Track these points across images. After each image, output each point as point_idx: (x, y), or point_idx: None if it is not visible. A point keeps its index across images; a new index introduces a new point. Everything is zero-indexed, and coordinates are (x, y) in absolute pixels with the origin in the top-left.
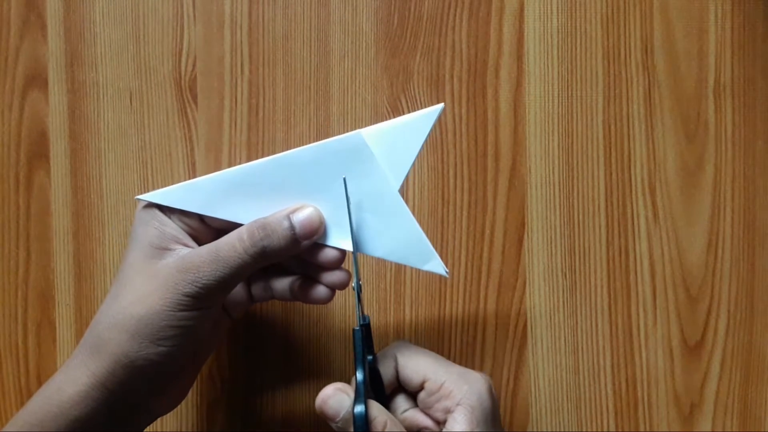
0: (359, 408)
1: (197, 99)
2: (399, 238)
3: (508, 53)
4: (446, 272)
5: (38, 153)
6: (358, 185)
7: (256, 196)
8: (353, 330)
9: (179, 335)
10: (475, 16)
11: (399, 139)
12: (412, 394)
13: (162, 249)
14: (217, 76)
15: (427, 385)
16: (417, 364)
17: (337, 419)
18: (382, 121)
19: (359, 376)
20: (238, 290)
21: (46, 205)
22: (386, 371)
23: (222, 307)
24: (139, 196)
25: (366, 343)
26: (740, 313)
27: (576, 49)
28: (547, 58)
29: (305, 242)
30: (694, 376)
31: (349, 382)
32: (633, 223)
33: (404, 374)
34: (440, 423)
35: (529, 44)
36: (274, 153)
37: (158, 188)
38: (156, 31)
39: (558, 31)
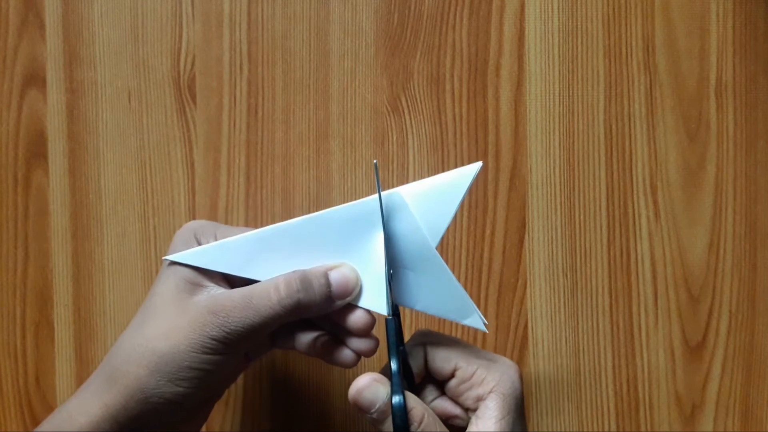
0: (397, 399)
1: (196, 98)
2: (438, 294)
3: (508, 52)
4: (485, 328)
5: (36, 153)
6: (396, 242)
7: (289, 256)
8: (386, 320)
9: (198, 377)
10: (476, 14)
11: (436, 197)
12: (439, 383)
13: (194, 285)
14: (216, 76)
15: (458, 374)
16: (447, 353)
17: (372, 410)
18: (382, 120)
19: (394, 366)
20: (262, 338)
21: (45, 205)
22: (415, 362)
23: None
24: (167, 257)
25: (397, 333)
26: (742, 314)
27: (577, 48)
28: (548, 57)
29: (339, 302)
30: (696, 376)
31: (349, 381)
32: (634, 223)
33: (435, 364)
34: (469, 411)
35: (530, 43)
36: (273, 152)
37: (157, 188)
38: (154, 30)
39: (559, 30)
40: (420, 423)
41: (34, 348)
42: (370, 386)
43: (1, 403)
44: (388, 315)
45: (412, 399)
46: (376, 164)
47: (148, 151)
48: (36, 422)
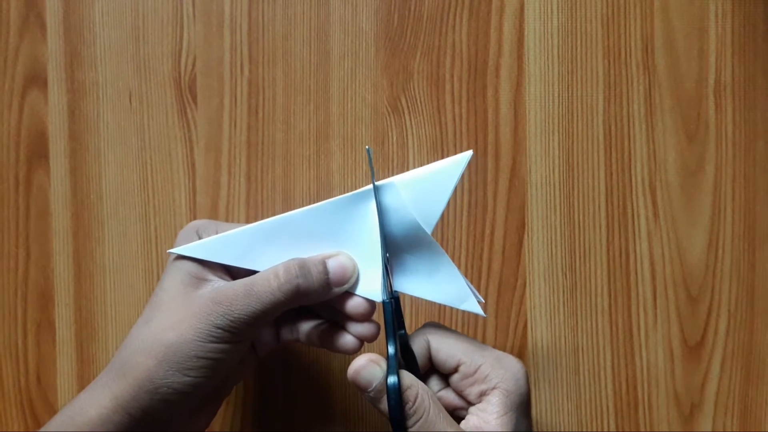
0: (392, 379)
1: (197, 99)
2: (436, 279)
3: (508, 53)
4: (483, 312)
5: (38, 153)
6: (392, 230)
7: (289, 247)
8: (383, 302)
9: (206, 367)
10: (476, 15)
11: (429, 186)
12: (444, 375)
13: (199, 279)
14: (216, 76)
15: (461, 369)
16: (451, 347)
17: (370, 389)
18: (382, 120)
19: (391, 347)
20: (267, 329)
21: (46, 205)
22: (419, 353)
23: (250, 345)
24: (171, 250)
25: (396, 316)
26: (740, 313)
27: (576, 48)
28: (548, 57)
29: (336, 289)
30: (695, 376)
31: (348, 382)
32: (633, 223)
33: (438, 357)
34: (472, 405)
35: (530, 44)
36: (273, 153)
37: (158, 189)
38: (156, 31)
39: (558, 31)
40: (415, 402)
41: (35, 348)
42: (366, 366)
43: (3, 403)
44: (385, 299)
45: (407, 379)
46: (369, 150)
47: (149, 152)
48: (37, 422)
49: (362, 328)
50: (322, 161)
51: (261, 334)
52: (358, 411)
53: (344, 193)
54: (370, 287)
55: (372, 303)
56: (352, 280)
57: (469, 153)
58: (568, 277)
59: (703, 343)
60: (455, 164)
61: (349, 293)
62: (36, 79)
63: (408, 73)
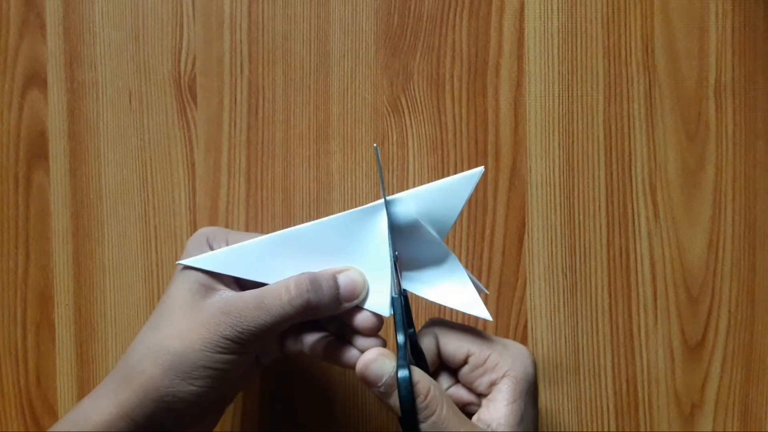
0: (403, 372)
1: (197, 99)
2: (445, 284)
3: (508, 53)
4: (490, 317)
5: (37, 153)
6: (404, 241)
7: (299, 260)
8: (392, 297)
9: (211, 377)
10: (476, 15)
11: (440, 201)
12: (453, 372)
13: (208, 288)
14: (216, 76)
15: (471, 360)
16: (459, 339)
17: (380, 384)
18: (382, 120)
19: (401, 340)
20: (272, 340)
21: (46, 205)
22: (428, 349)
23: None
24: (181, 261)
25: (405, 314)
26: (741, 313)
27: (576, 48)
28: (548, 57)
29: (346, 304)
30: (695, 376)
31: (349, 383)
32: (634, 223)
33: (447, 351)
34: (482, 396)
35: (530, 44)
36: (273, 153)
37: (157, 189)
38: (155, 31)
39: (558, 31)
40: (426, 396)
41: (35, 348)
42: (376, 360)
43: (2, 403)
44: (394, 295)
45: (417, 373)
46: (376, 148)
47: (149, 152)
48: (36, 422)
49: (369, 343)
50: (322, 161)
51: (266, 345)
52: (359, 411)
53: (344, 192)
54: (379, 302)
55: (380, 318)
56: (362, 295)
57: (480, 169)
58: (568, 277)
59: (704, 343)
60: (466, 180)
61: (358, 307)
62: (36, 79)
63: (408, 73)
